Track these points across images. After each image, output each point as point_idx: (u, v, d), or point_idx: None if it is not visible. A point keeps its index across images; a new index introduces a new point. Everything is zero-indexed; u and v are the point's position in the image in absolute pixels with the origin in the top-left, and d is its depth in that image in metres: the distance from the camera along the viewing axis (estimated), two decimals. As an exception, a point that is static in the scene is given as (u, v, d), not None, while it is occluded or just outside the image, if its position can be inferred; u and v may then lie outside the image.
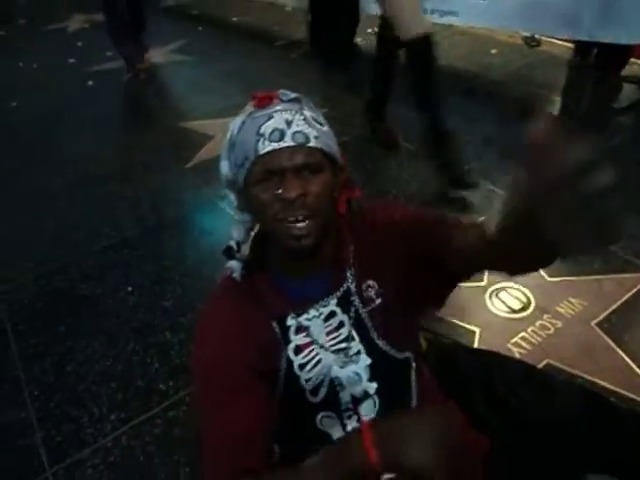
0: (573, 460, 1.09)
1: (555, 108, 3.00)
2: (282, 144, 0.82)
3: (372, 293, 0.96)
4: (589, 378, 1.50)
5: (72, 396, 1.67)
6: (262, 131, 0.83)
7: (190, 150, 2.90)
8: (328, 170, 0.87)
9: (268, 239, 0.94)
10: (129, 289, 2.04)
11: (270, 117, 0.84)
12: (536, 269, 0.79)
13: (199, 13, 5.27)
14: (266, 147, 0.82)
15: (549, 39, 3.47)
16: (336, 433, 0.94)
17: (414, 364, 1.00)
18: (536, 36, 3.49)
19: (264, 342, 0.91)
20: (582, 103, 2.98)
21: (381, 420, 0.86)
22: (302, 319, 0.93)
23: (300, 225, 0.84)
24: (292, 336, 0.93)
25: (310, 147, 0.83)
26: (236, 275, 0.93)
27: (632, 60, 3.01)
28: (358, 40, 3.74)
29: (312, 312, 0.93)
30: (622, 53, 2.94)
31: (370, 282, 0.96)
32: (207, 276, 2.03)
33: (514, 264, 0.80)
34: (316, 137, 0.84)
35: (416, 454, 0.69)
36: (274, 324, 0.92)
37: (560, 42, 3.42)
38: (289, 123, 0.83)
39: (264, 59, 4.01)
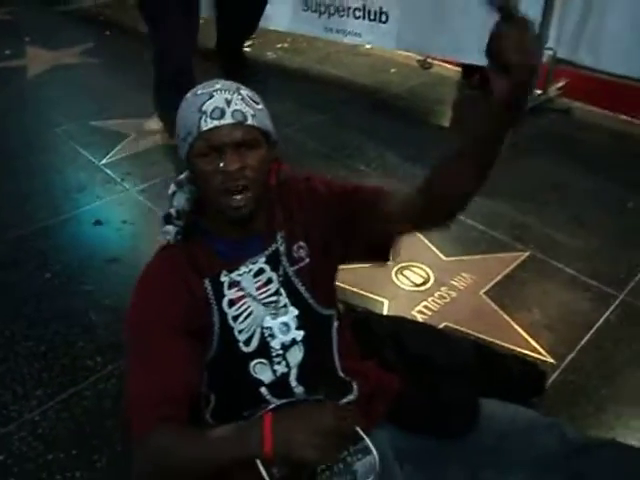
0: (469, 391, 1.29)
1: (446, 120, 3.39)
2: (222, 121, 0.92)
3: (302, 253, 1.09)
4: (479, 335, 1.76)
5: (-9, 377, 1.64)
6: (204, 109, 0.93)
7: (104, 147, 2.89)
8: (263, 146, 0.98)
9: (204, 207, 1.05)
10: (48, 275, 2.02)
11: (211, 96, 0.94)
12: (454, 212, 1.02)
13: (105, 18, 5.20)
14: (208, 124, 0.92)
15: (440, 63, 3.89)
16: (267, 379, 1.06)
17: (336, 323, 1.17)
18: (428, 60, 3.90)
19: (197, 299, 1.01)
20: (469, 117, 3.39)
21: (279, 410, 0.98)
22: (234, 275, 1.04)
23: (239, 197, 0.95)
24: (226, 291, 1.03)
25: (248, 125, 0.94)
26: (170, 238, 1.04)
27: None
28: (268, 54, 3.93)
29: (243, 268, 1.04)
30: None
31: (301, 243, 1.09)
32: (130, 263, 2.07)
33: (439, 208, 1.01)
34: (253, 115, 0.95)
35: (302, 445, 0.82)
36: (207, 282, 1.02)
37: (449, 66, 3.86)
38: (229, 102, 0.94)
39: (175, 65, 4.06)
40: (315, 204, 1.12)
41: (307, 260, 1.09)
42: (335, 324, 1.15)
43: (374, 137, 3.01)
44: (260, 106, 0.99)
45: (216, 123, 0.92)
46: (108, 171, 2.70)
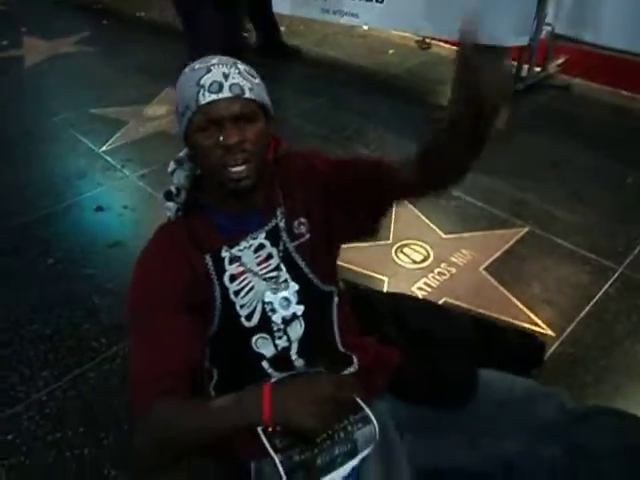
0: (468, 363, 1.31)
1: (445, 99, 3.37)
2: (221, 95, 0.93)
3: (303, 229, 1.10)
4: (479, 310, 1.77)
5: (-2, 360, 1.67)
6: (202, 82, 0.93)
7: (103, 135, 2.90)
8: (261, 119, 0.98)
9: (203, 183, 1.06)
10: (50, 261, 2.05)
11: (209, 70, 0.94)
12: (452, 182, 1.02)
13: (102, 7, 5.17)
14: (206, 98, 0.92)
15: (438, 42, 3.87)
16: (269, 353, 1.08)
17: (336, 299, 1.18)
18: (427, 40, 3.87)
19: (198, 275, 1.02)
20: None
21: (279, 382, 1.00)
22: (234, 250, 1.05)
23: (239, 169, 0.95)
24: (227, 266, 1.04)
25: (246, 98, 0.94)
26: (170, 215, 1.05)
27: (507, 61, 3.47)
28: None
29: (243, 244, 1.05)
30: (498, 54, 3.38)
31: (302, 219, 1.10)
32: (131, 248, 2.09)
33: (435, 178, 1.01)
34: (250, 89, 0.96)
35: (299, 413, 0.86)
36: (207, 258, 1.03)
37: (447, 45, 3.83)
38: (226, 76, 0.94)
39: (171, 52, 4.02)
40: (315, 180, 1.13)
41: (307, 236, 1.10)
42: (335, 300, 1.16)
43: (373, 119, 3.01)
44: (257, 80, 1.00)
45: (214, 97, 0.92)
46: (108, 158, 2.71)
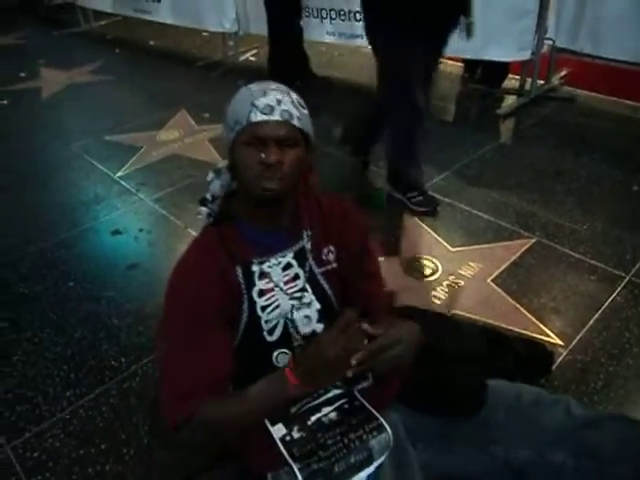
0: (478, 375, 1.34)
1: (450, 115, 3.43)
2: (271, 117, 1.00)
3: (331, 257, 1.15)
4: (487, 321, 1.80)
5: (23, 381, 1.73)
6: (256, 103, 1.01)
7: (119, 161, 3.01)
8: (302, 147, 1.05)
9: (237, 195, 1.11)
10: (70, 284, 2.12)
11: (265, 93, 1.02)
12: None
13: (113, 37, 5.35)
14: (257, 117, 0.99)
15: (442, 60, 3.93)
16: None
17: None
18: (431, 57, 3.94)
19: (230, 286, 1.07)
20: (472, 111, 3.44)
21: (295, 358, 1.05)
22: (264, 266, 1.09)
23: (272, 184, 1.01)
24: (257, 281, 1.09)
25: (292, 125, 1.01)
26: (202, 217, 1.11)
27: (510, 75, 3.53)
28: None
29: (272, 260, 1.10)
30: (501, 69, 3.44)
31: (331, 247, 1.15)
32: (148, 269, 2.16)
33: None
34: (299, 118, 1.03)
35: (322, 379, 0.96)
36: (238, 269, 1.08)
37: (451, 62, 3.91)
38: (279, 102, 1.02)
39: (184, 79, 4.18)
40: (349, 226, 1.18)
41: (335, 265, 1.14)
42: None
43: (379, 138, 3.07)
44: (306, 112, 1.07)
45: (265, 118, 0.99)
46: (123, 183, 2.81)
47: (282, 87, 1.06)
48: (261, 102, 1.01)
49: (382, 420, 1.12)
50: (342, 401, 1.17)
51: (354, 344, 0.98)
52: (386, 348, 1.00)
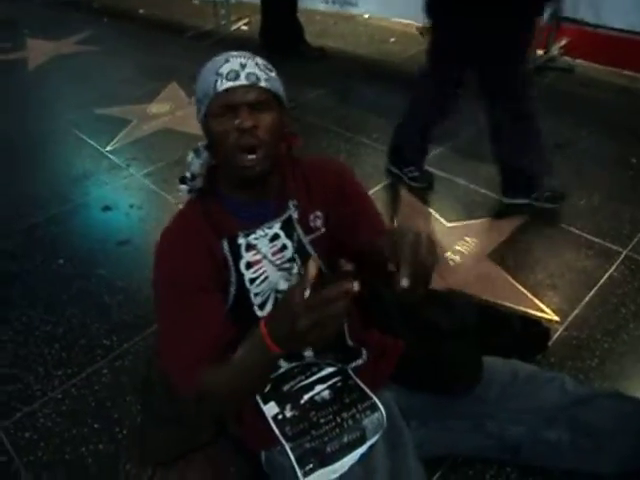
0: (473, 352, 1.32)
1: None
2: (237, 82, 0.97)
3: (319, 223, 1.12)
4: (483, 296, 1.78)
5: (13, 360, 1.71)
6: (220, 71, 0.98)
7: (108, 135, 2.94)
8: (275, 108, 1.01)
9: (218, 172, 1.09)
10: (60, 262, 2.08)
11: (227, 60, 1.00)
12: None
13: (101, 6, 5.19)
14: (223, 85, 0.97)
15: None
16: None
17: None
18: (428, 26, 3.84)
19: (216, 259, 1.05)
20: (469, 83, 3.36)
21: (269, 314, 0.95)
22: (251, 238, 1.07)
23: (250, 157, 0.98)
24: (244, 253, 1.06)
25: (261, 87, 0.98)
26: (182, 194, 1.08)
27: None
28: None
29: (259, 232, 1.08)
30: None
31: (318, 213, 1.12)
32: (139, 245, 2.13)
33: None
34: (266, 79, 1.00)
35: (296, 340, 0.81)
36: (224, 243, 1.05)
37: (449, 31, 3.81)
38: (243, 66, 0.99)
39: (174, 49, 4.07)
40: (338, 190, 1.14)
41: (323, 230, 1.12)
42: None
43: (375, 109, 3.01)
44: (273, 73, 1.03)
45: (231, 84, 0.97)
46: (113, 157, 2.75)
47: (244, 52, 1.03)
48: (225, 69, 0.98)
49: (375, 399, 1.11)
50: (336, 379, 1.16)
51: (332, 302, 0.78)
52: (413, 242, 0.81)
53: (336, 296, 0.76)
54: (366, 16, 4.11)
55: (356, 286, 0.76)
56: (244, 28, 4.38)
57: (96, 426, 1.50)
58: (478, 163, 2.48)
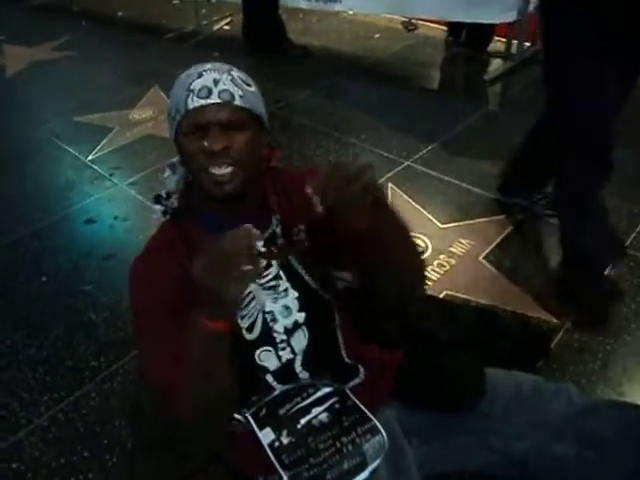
0: (474, 365, 1.28)
1: (435, 82, 3.31)
2: (209, 100, 0.91)
3: (302, 236, 1.06)
4: (481, 301, 1.74)
5: (-3, 386, 1.65)
6: (192, 87, 0.92)
7: (90, 143, 2.85)
8: (252, 128, 0.95)
9: (195, 186, 1.02)
10: (44, 279, 2.01)
11: (200, 75, 0.93)
12: None
13: (80, 9, 5.07)
14: (194, 103, 0.91)
15: (425, 23, 3.79)
16: (272, 366, 1.05)
17: (338, 307, 1.13)
18: (413, 21, 3.79)
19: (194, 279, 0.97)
20: (457, 77, 3.32)
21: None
22: None
23: (222, 171, 0.92)
24: None
25: (235, 106, 0.92)
26: (156, 216, 1.03)
27: (496, 38, 3.39)
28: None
29: None
30: (487, 32, 3.31)
31: (301, 226, 1.06)
32: (125, 259, 2.04)
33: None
34: (241, 96, 0.93)
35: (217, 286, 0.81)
36: None
37: (434, 25, 3.76)
38: (216, 82, 0.93)
39: (155, 52, 3.98)
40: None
41: (307, 243, 1.07)
42: (337, 308, 1.13)
43: (362, 107, 2.95)
44: (252, 88, 0.97)
45: (202, 102, 0.91)
46: (96, 167, 2.67)
47: (220, 65, 0.97)
48: (197, 84, 0.92)
49: (376, 422, 1.06)
50: (333, 400, 1.11)
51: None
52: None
53: (235, 250, 0.79)
54: (350, 12, 4.04)
55: (258, 238, 0.82)
56: (226, 28, 4.29)
57: (85, 454, 1.44)
58: (470, 160, 2.44)
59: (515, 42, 3.21)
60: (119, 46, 4.14)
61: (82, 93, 3.44)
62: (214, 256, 0.81)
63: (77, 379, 1.64)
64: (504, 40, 3.28)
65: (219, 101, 0.91)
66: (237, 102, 0.92)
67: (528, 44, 3.26)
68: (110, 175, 2.60)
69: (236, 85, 0.94)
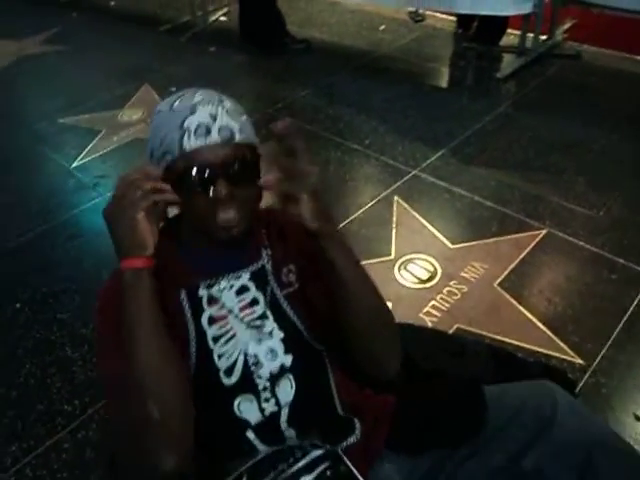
0: (472, 389, 1.11)
1: (444, 80, 3.10)
2: (209, 141, 0.80)
3: (292, 278, 0.96)
4: (495, 337, 1.57)
5: (-39, 433, 1.50)
6: (186, 125, 0.80)
7: (75, 148, 2.67)
8: (251, 163, 0.85)
9: (185, 223, 0.93)
10: (17, 305, 1.85)
11: (193, 111, 0.82)
12: None
13: (71, -1, 4.87)
14: (192, 144, 0.80)
15: (433, 13, 3.56)
16: (254, 419, 0.90)
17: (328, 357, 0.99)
18: (420, 11, 3.56)
19: (171, 310, 0.88)
20: (467, 74, 3.11)
21: None
22: (213, 290, 0.91)
23: (229, 217, 0.83)
24: (205, 306, 0.90)
25: (236, 144, 0.82)
26: None
27: (509, 31, 3.17)
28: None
29: (223, 283, 0.92)
30: (499, 24, 3.09)
31: (291, 267, 0.97)
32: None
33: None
34: (240, 130, 0.84)
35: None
36: (183, 294, 0.90)
37: (443, 16, 3.53)
38: (214, 117, 0.82)
39: (147, 46, 3.78)
40: (299, 239, 0.95)
41: (297, 286, 0.96)
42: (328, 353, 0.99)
43: (365, 109, 2.75)
44: (244, 117, 0.88)
45: (201, 143, 0.81)
46: (80, 175, 2.49)
47: (209, 94, 0.86)
48: (192, 123, 0.81)
49: None
50: (324, 466, 0.95)
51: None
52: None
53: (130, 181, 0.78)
54: (354, 2, 3.82)
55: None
56: (223, 19, 4.08)
57: (54, 519, 1.29)
58: (483, 169, 2.25)
59: (530, 35, 2.99)
60: (110, 39, 3.94)
61: (70, 91, 3.25)
62: (115, 196, 0.82)
63: (49, 426, 1.47)
64: (518, 33, 3.05)
65: (219, 141, 0.81)
66: (238, 138, 0.83)
67: (544, 37, 3.04)
68: (95, 185, 2.42)
69: (233, 118, 0.84)
